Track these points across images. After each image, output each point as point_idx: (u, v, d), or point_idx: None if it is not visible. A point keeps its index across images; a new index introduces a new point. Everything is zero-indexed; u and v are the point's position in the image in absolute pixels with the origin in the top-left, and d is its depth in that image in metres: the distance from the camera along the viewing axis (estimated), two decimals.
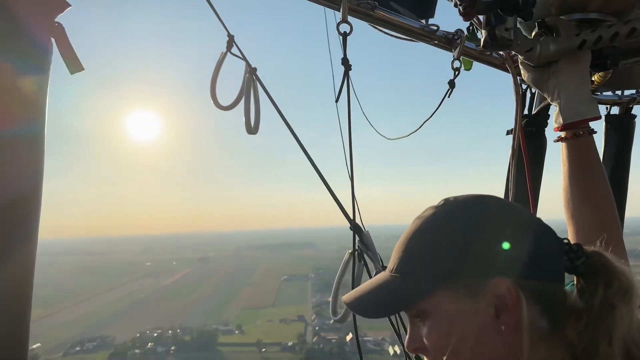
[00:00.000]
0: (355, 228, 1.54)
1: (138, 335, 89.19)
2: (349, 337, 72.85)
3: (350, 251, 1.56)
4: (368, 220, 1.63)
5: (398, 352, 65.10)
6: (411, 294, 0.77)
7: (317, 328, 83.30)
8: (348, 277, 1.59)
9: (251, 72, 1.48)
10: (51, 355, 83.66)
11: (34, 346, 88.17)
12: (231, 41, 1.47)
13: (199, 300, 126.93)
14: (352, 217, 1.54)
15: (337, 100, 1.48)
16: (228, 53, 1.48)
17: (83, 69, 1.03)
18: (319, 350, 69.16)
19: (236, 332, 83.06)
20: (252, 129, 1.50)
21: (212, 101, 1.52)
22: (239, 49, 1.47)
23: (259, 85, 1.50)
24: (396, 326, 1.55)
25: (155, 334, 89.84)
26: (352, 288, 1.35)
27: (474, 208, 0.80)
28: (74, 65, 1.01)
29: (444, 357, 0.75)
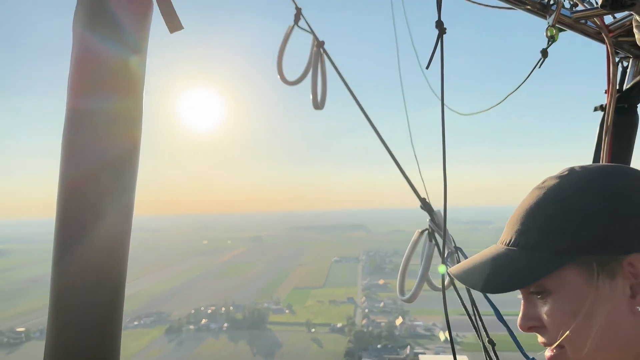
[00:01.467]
0: (426, 206, 1.47)
1: (193, 311, 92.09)
2: (399, 320, 72.19)
3: (420, 230, 1.51)
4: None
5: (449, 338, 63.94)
6: (536, 269, 0.72)
7: (366, 310, 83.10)
8: (414, 260, 1.55)
9: (319, 45, 1.44)
10: None
11: None
12: (298, 14, 1.44)
13: (251, 279, 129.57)
14: (441, 195, 1.44)
15: (427, 67, 1.39)
16: (295, 26, 1.46)
17: (182, 28, 1.00)
18: (368, 333, 68.86)
19: (286, 311, 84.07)
20: (318, 104, 1.48)
21: (278, 77, 1.48)
22: (306, 22, 1.44)
23: (326, 59, 1.45)
24: (471, 310, 1.48)
25: (209, 311, 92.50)
26: (425, 267, 1.34)
27: (609, 177, 0.73)
28: (173, 23, 0.98)
29: (564, 336, 0.70)
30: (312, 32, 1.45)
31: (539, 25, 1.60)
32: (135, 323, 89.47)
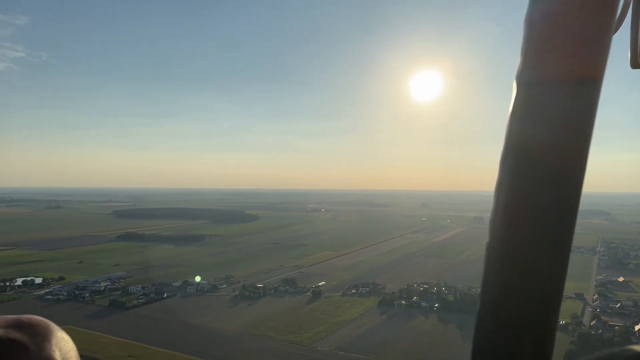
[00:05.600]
0: None
1: (405, 287, 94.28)
2: (639, 326, 61.71)
3: None
4: None
5: None
6: None
7: (597, 310, 73.47)
8: None
9: None
10: (332, 293, 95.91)
11: (320, 284, 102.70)
12: None
13: (466, 261, 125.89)
14: None
15: None
16: None
17: None
18: (596, 336, 60.66)
19: None
20: (638, 62, 1.31)
21: None
22: None
23: None
24: None
25: (421, 289, 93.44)
26: None
27: None
28: None
29: None
30: None
31: None
32: (353, 291, 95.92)
